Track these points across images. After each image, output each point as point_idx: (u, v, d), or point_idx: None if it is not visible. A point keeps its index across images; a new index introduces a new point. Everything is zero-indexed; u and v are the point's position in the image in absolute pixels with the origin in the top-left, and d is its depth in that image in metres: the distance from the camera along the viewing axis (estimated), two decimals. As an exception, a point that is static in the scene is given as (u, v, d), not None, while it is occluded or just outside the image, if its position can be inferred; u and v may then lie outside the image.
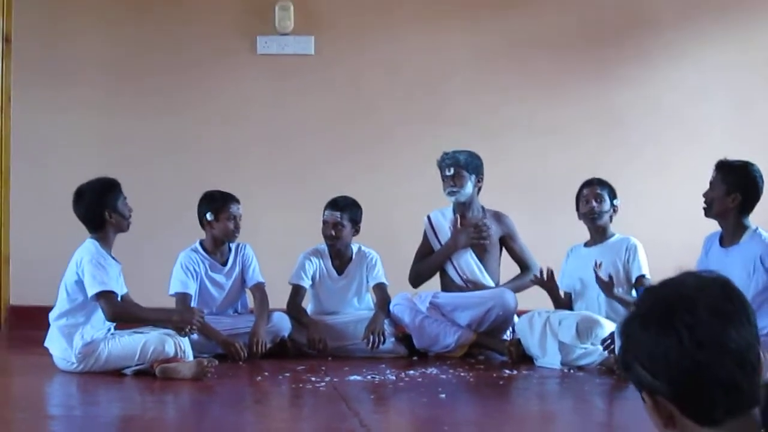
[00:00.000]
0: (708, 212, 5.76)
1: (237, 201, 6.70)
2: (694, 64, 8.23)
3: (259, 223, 7.59)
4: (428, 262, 7.05)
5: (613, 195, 6.61)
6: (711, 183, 5.74)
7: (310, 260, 6.98)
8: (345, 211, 6.91)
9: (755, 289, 5.51)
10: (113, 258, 5.90)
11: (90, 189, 5.94)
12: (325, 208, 6.94)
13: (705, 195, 5.76)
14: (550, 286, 6.61)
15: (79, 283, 5.78)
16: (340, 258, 7.03)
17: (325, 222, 6.93)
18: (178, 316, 5.98)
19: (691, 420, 1.79)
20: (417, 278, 7.07)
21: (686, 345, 1.76)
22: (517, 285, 6.93)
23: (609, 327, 6.09)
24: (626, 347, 1.85)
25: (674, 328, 1.77)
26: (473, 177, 6.91)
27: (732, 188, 5.65)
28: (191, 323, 5.94)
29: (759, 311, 5.48)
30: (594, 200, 6.59)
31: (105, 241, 5.88)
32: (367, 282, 7.02)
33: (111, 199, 5.88)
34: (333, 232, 6.90)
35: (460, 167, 6.86)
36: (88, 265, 5.74)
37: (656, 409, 1.82)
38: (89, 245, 5.84)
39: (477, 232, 6.91)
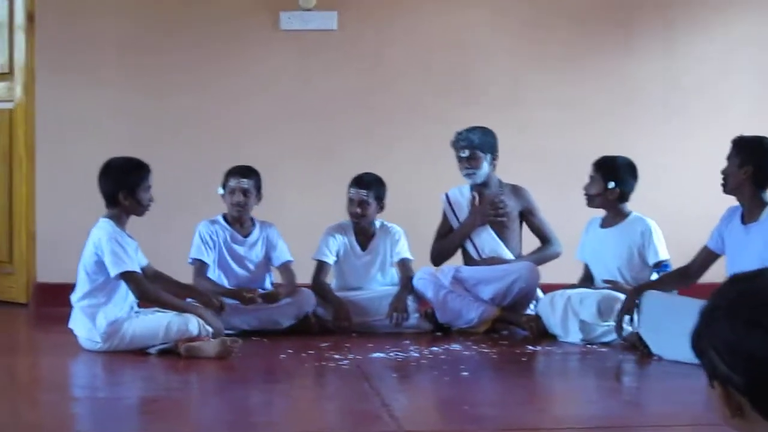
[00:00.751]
0: (725, 188, 5.79)
1: (242, 174, 6.74)
2: (719, 37, 8.19)
3: (284, 200, 7.63)
4: (447, 241, 7.09)
5: (611, 176, 6.56)
6: (727, 159, 5.77)
7: (334, 236, 7.02)
8: (370, 189, 6.93)
9: None
10: (129, 236, 5.94)
11: (115, 165, 5.98)
12: (350, 186, 6.96)
13: (722, 171, 5.79)
14: None
15: (99, 264, 5.81)
16: (364, 234, 7.07)
17: (350, 200, 6.95)
18: (204, 311, 6.00)
19: (762, 415, 1.77)
20: (437, 257, 7.11)
21: None
22: (537, 258, 6.96)
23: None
24: (703, 334, 1.83)
25: (762, 325, 1.74)
26: (488, 156, 6.92)
27: (744, 161, 5.67)
28: (214, 306, 6.04)
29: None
30: (589, 182, 6.62)
31: (118, 220, 5.89)
32: (391, 257, 7.06)
33: (131, 181, 5.88)
34: (359, 210, 6.93)
35: (475, 148, 6.87)
36: (106, 244, 5.77)
37: (726, 399, 1.80)
38: (104, 224, 5.87)
39: (493, 209, 6.93)
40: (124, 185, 5.87)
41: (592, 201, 6.65)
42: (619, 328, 5.99)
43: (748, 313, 1.77)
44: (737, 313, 1.78)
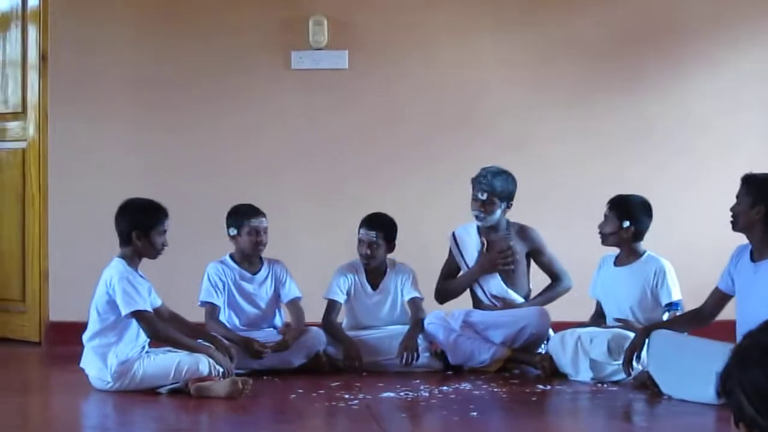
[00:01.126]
0: (735, 226, 5.76)
1: (259, 214, 6.76)
2: (728, 74, 8.21)
3: (293, 238, 7.65)
4: (454, 283, 7.10)
5: (625, 216, 6.57)
6: (737, 197, 5.75)
7: (345, 275, 7.04)
8: (380, 230, 6.94)
9: None
10: (141, 276, 5.98)
11: (133, 205, 6.04)
12: (361, 227, 6.98)
13: (732, 209, 5.77)
14: None
15: (111, 303, 5.85)
16: (375, 273, 7.09)
17: (360, 241, 6.97)
18: (215, 352, 6.01)
19: None
20: (442, 297, 7.12)
21: None
22: (548, 297, 7.01)
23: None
24: (733, 374, 1.83)
25: None
26: (503, 204, 6.91)
27: (757, 201, 5.62)
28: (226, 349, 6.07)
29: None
30: (604, 220, 6.64)
31: (131, 260, 5.93)
32: (402, 296, 7.07)
33: (146, 223, 5.93)
34: (368, 251, 6.94)
35: (494, 195, 6.87)
36: (118, 284, 5.81)
37: None
38: (117, 264, 5.91)
39: (503, 257, 6.94)
40: (138, 226, 5.92)
41: (606, 240, 6.66)
42: (627, 366, 6.00)
43: None
44: None
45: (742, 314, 5.78)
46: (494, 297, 6.97)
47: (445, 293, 7.12)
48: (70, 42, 8.01)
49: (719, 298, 5.96)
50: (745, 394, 1.80)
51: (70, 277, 7.71)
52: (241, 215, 6.79)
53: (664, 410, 5.52)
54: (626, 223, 6.55)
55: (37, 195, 7.90)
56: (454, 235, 7.14)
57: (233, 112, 8.09)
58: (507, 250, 6.93)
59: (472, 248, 7.06)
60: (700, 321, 6.08)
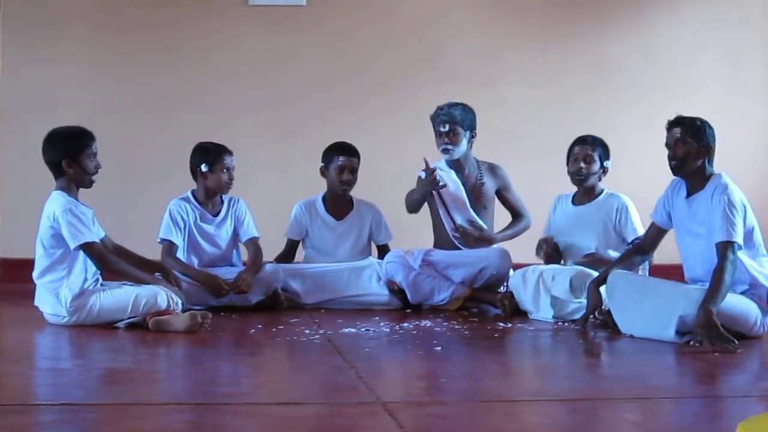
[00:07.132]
0: (681, 170, 5.58)
1: (231, 153, 6.60)
2: (689, 19, 8.22)
3: (253, 178, 7.52)
4: (412, 193, 6.89)
5: (605, 155, 6.48)
6: (678, 140, 5.55)
7: (302, 213, 7.01)
8: (357, 156, 6.89)
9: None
10: (83, 204, 5.70)
11: (57, 134, 5.71)
12: (336, 155, 6.86)
13: (674, 153, 5.57)
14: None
15: (56, 237, 5.58)
16: (340, 204, 7.01)
17: (342, 168, 6.85)
18: (166, 283, 5.82)
19: None
20: (407, 207, 6.91)
21: None
22: (513, 232, 6.93)
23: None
24: None
25: None
26: (467, 133, 6.78)
27: (701, 140, 5.51)
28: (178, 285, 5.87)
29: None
30: (583, 161, 6.48)
31: (69, 190, 5.65)
32: (371, 233, 7.07)
33: (73, 149, 5.62)
34: (351, 177, 6.86)
35: (456, 124, 6.72)
36: (62, 217, 5.54)
37: None
38: (57, 197, 5.63)
39: (432, 179, 6.69)
40: (66, 154, 5.62)
41: (588, 179, 6.51)
42: (583, 324, 5.84)
43: None
44: None
45: (683, 250, 5.70)
46: (467, 222, 6.78)
47: (407, 201, 6.88)
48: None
49: (655, 231, 5.89)
50: None
51: (21, 214, 7.46)
52: (215, 152, 6.60)
53: (627, 347, 5.38)
54: (608, 163, 6.47)
55: (-12, 133, 7.64)
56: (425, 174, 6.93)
57: (192, 50, 8.03)
58: (434, 171, 6.68)
59: (445, 181, 6.85)
60: (643, 254, 6.01)
